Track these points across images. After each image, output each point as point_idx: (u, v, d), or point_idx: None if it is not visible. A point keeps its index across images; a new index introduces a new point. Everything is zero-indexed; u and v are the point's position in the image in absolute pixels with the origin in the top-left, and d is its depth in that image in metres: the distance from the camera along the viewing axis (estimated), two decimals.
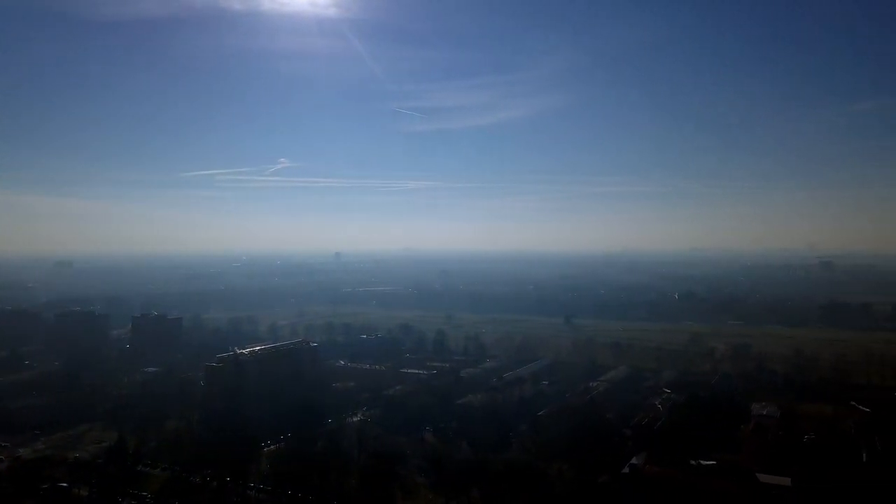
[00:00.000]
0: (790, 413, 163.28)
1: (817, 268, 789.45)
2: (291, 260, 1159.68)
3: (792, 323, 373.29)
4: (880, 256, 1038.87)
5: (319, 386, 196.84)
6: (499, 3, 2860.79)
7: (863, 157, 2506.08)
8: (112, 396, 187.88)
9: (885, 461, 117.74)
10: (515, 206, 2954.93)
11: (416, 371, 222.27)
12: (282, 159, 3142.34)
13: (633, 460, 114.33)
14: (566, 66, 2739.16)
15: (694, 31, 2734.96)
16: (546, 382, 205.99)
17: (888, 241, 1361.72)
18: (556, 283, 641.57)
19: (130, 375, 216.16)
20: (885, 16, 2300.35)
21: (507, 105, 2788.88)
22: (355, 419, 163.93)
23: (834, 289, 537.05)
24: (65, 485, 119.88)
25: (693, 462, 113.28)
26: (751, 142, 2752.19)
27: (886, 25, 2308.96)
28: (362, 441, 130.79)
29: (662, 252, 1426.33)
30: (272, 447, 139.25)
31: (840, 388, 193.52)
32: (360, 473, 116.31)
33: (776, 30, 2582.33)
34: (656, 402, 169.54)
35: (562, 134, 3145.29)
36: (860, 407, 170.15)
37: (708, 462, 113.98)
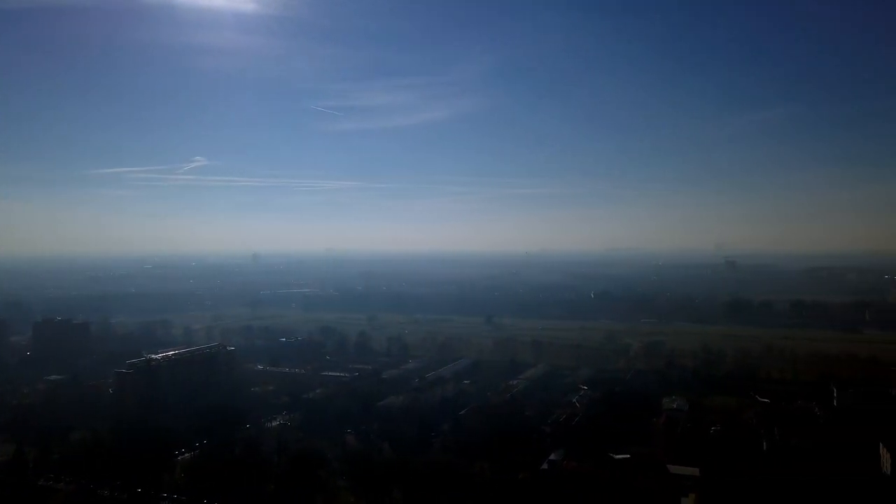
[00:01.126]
0: (698, 406, 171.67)
1: (723, 267, 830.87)
2: (207, 262, 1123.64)
3: (700, 320, 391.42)
4: (779, 256, 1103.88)
5: (237, 391, 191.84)
6: (421, 5, 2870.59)
7: (765, 162, 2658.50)
8: (10, 407, 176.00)
9: (782, 448, 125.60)
10: (438, 206, 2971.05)
11: (338, 374, 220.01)
12: (197, 157, 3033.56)
13: (552, 456, 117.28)
14: (487, 69, 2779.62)
15: (608, 38, 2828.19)
16: (468, 382, 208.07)
17: (786, 242, 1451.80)
18: (478, 284, 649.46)
19: (31, 384, 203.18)
20: (789, 27, 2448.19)
21: (429, 106, 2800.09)
22: (274, 424, 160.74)
23: (738, 287, 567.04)
24: None
25: (609, 456, 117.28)
26: (662, 146, 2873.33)
27: (790, 37, 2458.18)
28: (282, 445, 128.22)
29: (579, 252, 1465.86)
30: (187, 455, 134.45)
31: (743, 381, 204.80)
32: (279, 478, 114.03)
33: (686, 39, 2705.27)
34: (574, 399, 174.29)
35: (483, 136, 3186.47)
36: (761, 399, 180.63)
37: (623, 456, 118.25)
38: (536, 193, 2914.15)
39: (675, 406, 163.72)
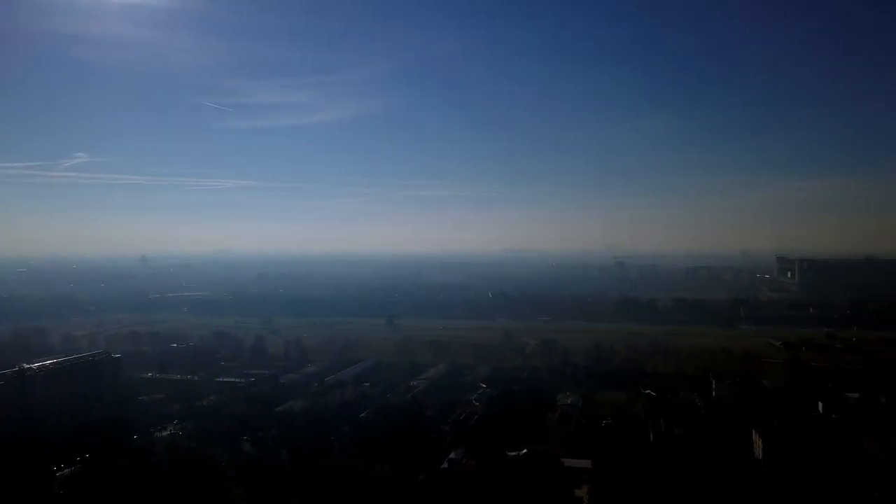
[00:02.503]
0: (591, 401, 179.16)
1: (613, 267, 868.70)
2: (90, 264, 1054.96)
3: (592, 318, 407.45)
4: (664, 257, 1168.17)
5: (124, 401, 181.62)
6: (317, 5, 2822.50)
7: (652, 167, 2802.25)
8: None
9: (667, 438, 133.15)
10: (338, 207, 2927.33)
11: (233, 379, 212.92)
12: (79, 153, 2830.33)
13: (452, 455, 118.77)
14: (386, 70, 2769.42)
15: (506, 43, 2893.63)
16: (368, 384, 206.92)
17: (670, 243, 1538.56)
18: (379, 285, 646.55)
19: None
20: (680, 39, 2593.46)
21: (328, 106, 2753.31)
22: (165, 433, 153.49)
23: (626, 286, 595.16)
24: None
25: (507, 453, 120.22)
26: (557, 150, 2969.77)
27: (678, 47, 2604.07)
28: (173, 455, 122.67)
29: (478, 253, 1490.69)
30: (66, 472, 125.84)
31: (632, 376, 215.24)
32: (169, 490, 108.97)
33: (580, 46, 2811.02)
34: (473, 398, 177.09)
35: (383, 137, 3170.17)
36: (648, 392, 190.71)
37: (520, 452, 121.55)
38: (436, 195, 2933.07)
39: (569, 402, 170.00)
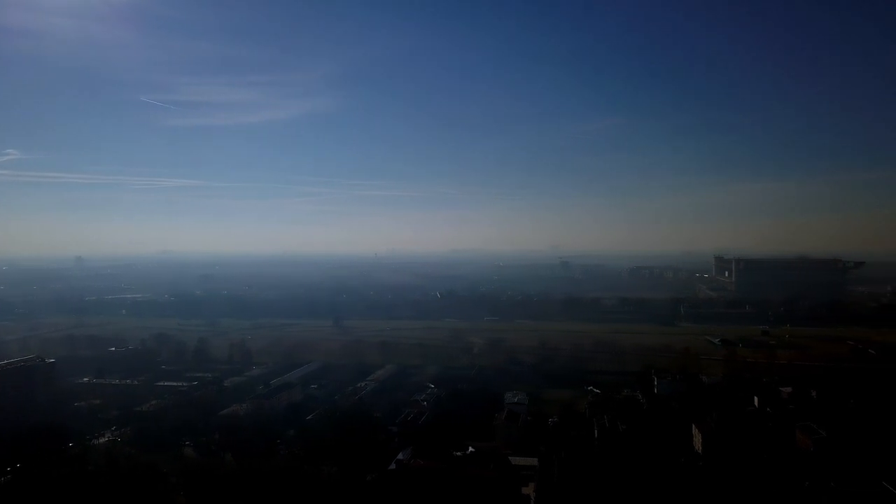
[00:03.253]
0: (537, 399, 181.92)
1: (558, 267, 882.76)
2: (22, 266, 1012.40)
3: (538, 317, 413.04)
4: (608, 257, 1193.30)
5: (59, 407, 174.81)
6: (264, 2, 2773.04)
7: (596, 169, 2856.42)
8: None
9: (611, 434, 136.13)
10: (286, 207, 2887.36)
11: (175, 383, 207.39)
12: (9, 150, 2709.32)
13: (400, 456, 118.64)
14: (335, 70, 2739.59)
15: (455, 46, 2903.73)
16: (315, 386, 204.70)
17: (614, 243, 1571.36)
18: (327, 286, 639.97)
19: None
20: (623, 45, 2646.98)
21: (276, 104, 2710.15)
22: (102, 440, 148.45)
23: (571, 286, 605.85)
24: None
25: (455, 452, 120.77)
26: (504, 151, 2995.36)
27: (625, 52, 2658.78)
28: (111, 463, 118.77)
29: (426, 253, 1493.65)
30: None
31: (577, 373, 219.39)
32: (106, 498, 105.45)
33: (528, 49, 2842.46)
34: (421, 398, 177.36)
35: (333, 137, 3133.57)
36: (593, 389, 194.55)
37: (468, 451, 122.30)
38: (386, 195, 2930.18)
39: (516, 400, 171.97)
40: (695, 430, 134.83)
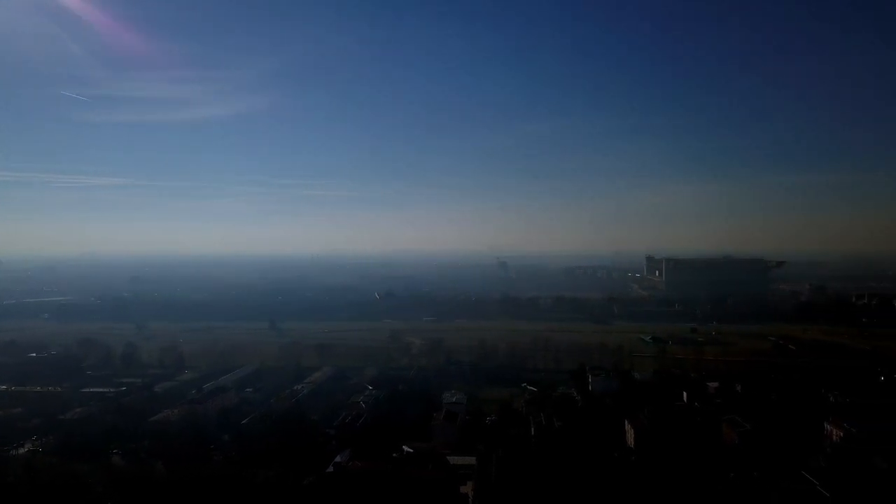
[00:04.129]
0: (475, 398, 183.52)
1: (496, 267, 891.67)
2: None
3: (476, 317, 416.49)
4: (544, 257, 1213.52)
5: None
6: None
7: (533, 171, 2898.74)
8: None
9: (547, 432, 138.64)
10: (222, 207, 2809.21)
11: (102, 390, 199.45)
12: None
13: (338, 458, 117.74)
14: (274, 67, 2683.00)
15: (393, 45, 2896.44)
16: (251, 390, 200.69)
17: (550, 244, 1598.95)
18: (264, 287, 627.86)
19: None
20: (559, 46, 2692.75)
21: (210, 101, 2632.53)
22: (22, 450, 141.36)
23: (509, 286, 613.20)
24: None
25: (394, 454, 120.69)
26: (446, 152, 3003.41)
27: (563, 55, 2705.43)
28: (32, 474, 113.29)
29: (366, 254, 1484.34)
30: None
31: (515, 372, 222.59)
32: None
33: (466, 50, 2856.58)
34: (359, 400, 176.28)
35: (272, 135, 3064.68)
36: (529, 387, 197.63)
37: (406, 451, 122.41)
38: (325, 195, 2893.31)
39: (454, 400, 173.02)
40: (627, 426, 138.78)
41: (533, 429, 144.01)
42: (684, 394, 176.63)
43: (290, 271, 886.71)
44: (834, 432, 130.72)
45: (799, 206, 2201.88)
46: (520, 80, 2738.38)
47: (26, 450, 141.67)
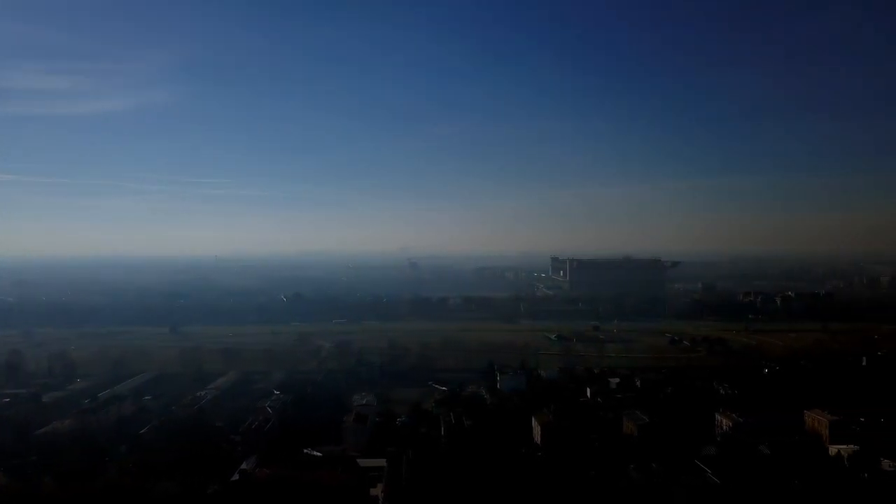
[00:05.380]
0: (386, 399, 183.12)
1: (407, 268, 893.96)
2: None
3: (387, 318, 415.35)
4: (454, 258, 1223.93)
5: None
6: None
7: (443, 173, 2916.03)
8: None
9: (458, 431, 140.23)
10: (117, 206, 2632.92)
11: None
12: None
13: (244, 465, 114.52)
14: (172, 61, 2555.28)
15: (303, 41, 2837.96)
16: (149, 397, 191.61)
17: (460, 244, 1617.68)
18: (164, 290, 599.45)
19: None
20: (468, 51, 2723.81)
21: (102, 94, 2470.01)
22: None
23: (420, 286, 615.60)
24: None
25: (302, 458, 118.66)
26: (355, 151, 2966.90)
27: (469, 59, 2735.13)
28: None
29: (273, 255, 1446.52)
30: None
31: (425, 372, 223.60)
32: None
33: (382, 51, 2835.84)
34: (266, 405, 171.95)
35: (170, 131, 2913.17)
36: (440, 387, 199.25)
37: (315, 456, 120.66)
38: (230, 194, 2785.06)
39: (364, 402, 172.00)
40: (534, 423, 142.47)
41: (443, 428, 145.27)
42: (588, 390, 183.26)
43: (192, 273, 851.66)
44: (724, 423, 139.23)
45: (693, 208, 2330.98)
46: (430, 81, 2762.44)
47: None
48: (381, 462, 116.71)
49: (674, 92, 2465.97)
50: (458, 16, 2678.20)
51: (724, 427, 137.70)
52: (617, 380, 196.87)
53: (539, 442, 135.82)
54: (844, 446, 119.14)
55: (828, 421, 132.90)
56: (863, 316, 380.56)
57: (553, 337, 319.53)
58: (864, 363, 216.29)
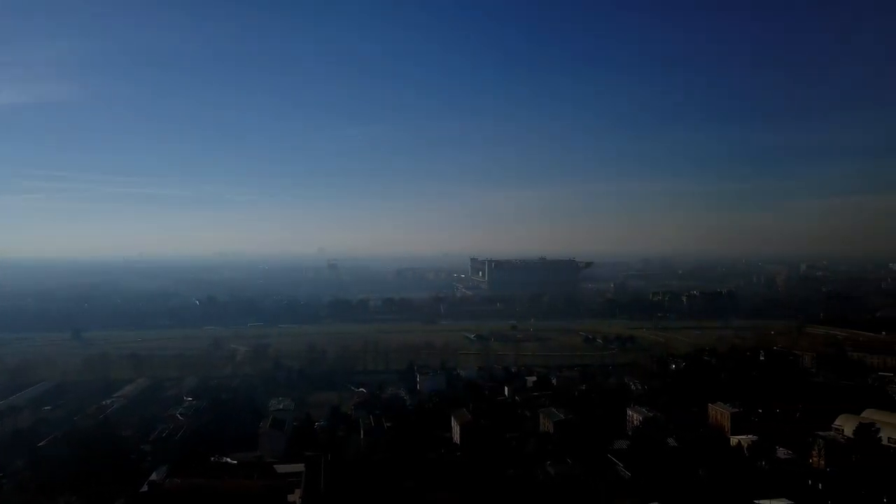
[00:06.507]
0: (304, 403, 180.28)
1: (326, 270, 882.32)
2: None
3: (305, 321, 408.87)
4: (375, 259, 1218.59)
5: None
6: None
7: (363, 174, 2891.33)
8: None
9: (377, 433, 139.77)
10: (13, 203, 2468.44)
11: None
12: None
13: (153, 476, 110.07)
14: (68, 52, 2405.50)
15: (222, 35, 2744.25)
16: (49, 408, 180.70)
17: (381, 246, 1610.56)
18: (65, 294, 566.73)
19: None
20: (389, 52, 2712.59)
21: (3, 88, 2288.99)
22: None
23: (339, 288, 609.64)
24: None
25: (217, 466, 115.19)
26: (271, 151, 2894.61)
27: (391, 59, 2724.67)
28: None
29: (186, 257, 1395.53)
30: None
31: (344, 375, 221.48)
32: None
33: (300, 45, 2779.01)
34: (178, 412, 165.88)
35: (71, 127, 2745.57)
36: (359, 390, 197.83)
37: (231, 463, 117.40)
38: (138, 193, 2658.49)
39: (281, 407, 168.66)
40: (454, 423, 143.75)
41: (362, 431, 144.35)
42: (506, 389, 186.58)
43: (98, 276, 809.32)
44: (635, 418, 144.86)
45: (606, 209, 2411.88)
46: (349, 81, 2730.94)
47: None
48: (300, 467, 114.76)
49: (587, 94, 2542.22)
50: (377, 13, 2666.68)
51: (636, 422, 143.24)
52: (534, 378, 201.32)
53: (458, 442, 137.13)
54: (744, 437, 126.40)
55: (729, 413, 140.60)
56: (761, 313, 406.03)
57: (472, 337, 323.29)
58: (762, 357, 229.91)
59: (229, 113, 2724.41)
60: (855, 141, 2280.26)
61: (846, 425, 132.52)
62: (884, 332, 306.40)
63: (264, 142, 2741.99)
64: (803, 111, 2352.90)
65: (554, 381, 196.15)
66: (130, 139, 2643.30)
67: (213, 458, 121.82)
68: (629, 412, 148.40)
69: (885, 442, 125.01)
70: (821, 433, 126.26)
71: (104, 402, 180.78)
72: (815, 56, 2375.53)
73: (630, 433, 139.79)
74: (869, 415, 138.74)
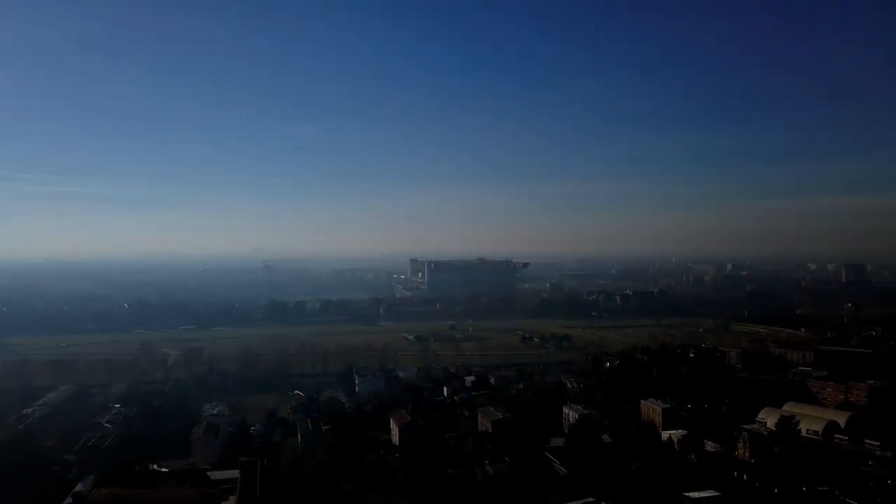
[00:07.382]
0: (240, 408, 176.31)
1: (261, 271, 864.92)
2: None
3: (240, 323, 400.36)
4: (312, 260, 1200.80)
5: None
6: None
7: (298, 174, 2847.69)
8: None
9: (315, 436, 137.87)
10: None
11: None
12: None
13: (78, 487, 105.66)
14: (13, 43, 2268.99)
15: (154, 31, 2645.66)
16: None
17: (318, 246, 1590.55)
18: None
19: None
20: (344, 52, 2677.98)
21: None
22: None
23: (275, 290, 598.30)
24: None
25: (147, 475, 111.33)
26: (204, 148, 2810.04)
27: (344, 60, 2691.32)
28: None
29: (113, 257, 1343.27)
30: None
31: (281, 378, 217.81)
32: None
33: (239, 42, 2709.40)
34: (104, 420, 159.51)
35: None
36: (297, 393, 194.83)
37: (162, 471, 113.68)
38: (59, 191, 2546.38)
39: (215, 412, 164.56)
40: (392, 424, 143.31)
41: (300, 435, 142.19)
42: (445, 389, 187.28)
43: (18, 278, 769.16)
44: (571, 415, 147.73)
45: (543, 210, 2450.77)
46: (288, 79, 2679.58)
47: None
48: (234, 473, 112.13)
49: (531, 96, 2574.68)
50: (313, 10, 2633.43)
51: (572, 419, 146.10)
52: (472, 377, 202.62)
53: (397, 443, 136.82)
54: (675, 432, 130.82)
55: (660, 409, 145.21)
56: (690, 311, 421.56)
57: (411, 337, 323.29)
58: (691, 355, 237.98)
59: (159, 108, 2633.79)
60: (780, 145, 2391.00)
61: (769, 418, 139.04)
62: (803, 329, 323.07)
63: (195, 139, 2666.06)
64: (738, 114, 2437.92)
65: (492, 381, 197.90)
66: (51, 135, 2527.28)
67: (143, 467, 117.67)
68: (565, 410, 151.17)
69: (804, 433, 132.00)
70: (745, 426, 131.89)
71: (24, 411, 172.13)
72: (728, 61, 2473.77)
73: (566, 430, 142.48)
74: (790, 408, 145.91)
